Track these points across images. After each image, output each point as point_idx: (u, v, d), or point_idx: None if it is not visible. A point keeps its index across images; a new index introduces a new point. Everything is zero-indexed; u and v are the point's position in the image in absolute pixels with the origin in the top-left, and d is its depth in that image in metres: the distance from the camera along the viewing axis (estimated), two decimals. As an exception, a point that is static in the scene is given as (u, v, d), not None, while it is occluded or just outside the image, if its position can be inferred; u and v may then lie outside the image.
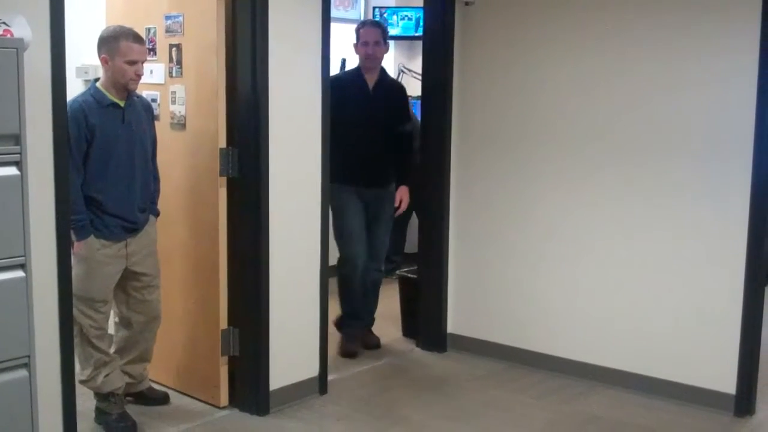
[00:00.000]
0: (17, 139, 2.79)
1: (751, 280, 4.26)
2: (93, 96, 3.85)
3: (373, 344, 5.35)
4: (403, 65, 7.52)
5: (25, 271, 2.85)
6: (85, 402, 3.97)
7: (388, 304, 5.67)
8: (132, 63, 3.82)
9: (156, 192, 4.15)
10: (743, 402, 4.32)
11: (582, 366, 4.82)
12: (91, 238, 3.82)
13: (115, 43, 3.81)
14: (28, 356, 2.88)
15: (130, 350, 4.17)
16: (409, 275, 5.54)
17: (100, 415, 4.03)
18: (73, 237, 3.77)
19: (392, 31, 7.97)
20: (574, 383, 4.77)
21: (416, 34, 7.55)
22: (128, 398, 4.21)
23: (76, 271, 3.82)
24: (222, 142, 4.15)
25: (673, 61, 4.42)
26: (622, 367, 4.68)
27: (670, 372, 4.52)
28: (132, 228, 3.95)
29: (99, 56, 3.87)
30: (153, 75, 4.36)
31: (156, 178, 4.14)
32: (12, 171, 2.79)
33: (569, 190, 4.82)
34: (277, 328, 4.27)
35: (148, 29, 4.37)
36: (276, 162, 4.17)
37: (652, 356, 4.58)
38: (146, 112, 4.08)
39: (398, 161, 5.21)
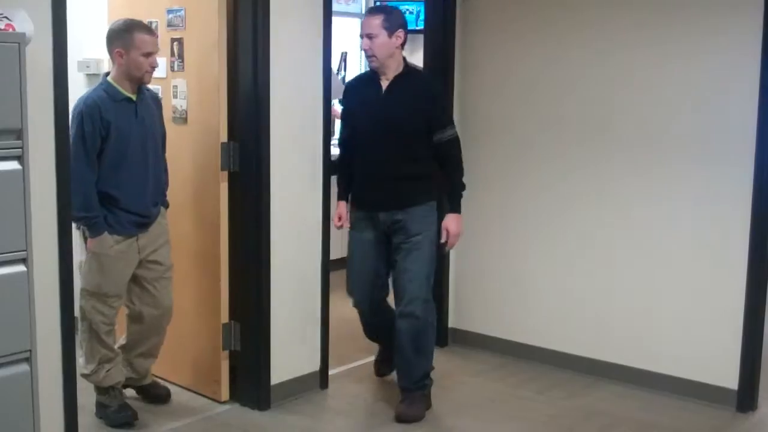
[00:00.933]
0: (19, 133, 2.79)
1: (753, 275, 4.25)
2: (106, 91, 3.81)
3: (403, 416, 4.17)
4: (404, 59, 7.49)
5: (27, 266, 2.85)
6: (86, 396, 3.97)
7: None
8: (147, 55, 3.79)
9: (165, 184, 4.14)
10: (745, 397, 4.32)
11: (584, 361, 4.81)
12: (105, 235, 3.81)
13: (129, 35, 3.77)
14: (30, 351, 2.88)
15: (140, 345, 4.16)
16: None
17: (101, 408, 4.03)
18: (87, 234, 3.78)
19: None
20: (575, 378, 4.77)
21: (417, 28, 7.54)
22: (127, 389, 4.20)
23: (89, 267, 3.85)
24: (223, 137, 4.14)
25: (677, 58, 4.40)
26: (623, 362, 4.68)
27: (673, 367, 4.52)
28: (144, 223, 3.95)
29: (112, 50, 3.83)
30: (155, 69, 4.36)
31: (165, 170, 4.13)
32: (14, 165, 2.79)
33: (571, 186, 4.82)
34: (278, 323, 4.27)
35: (150, 23, 4.34)
36: (277, 156, 4.16)
37: (654, 351, 4.58)
38: (155, 104, 4.06)
39: (446, 179, 4.21)
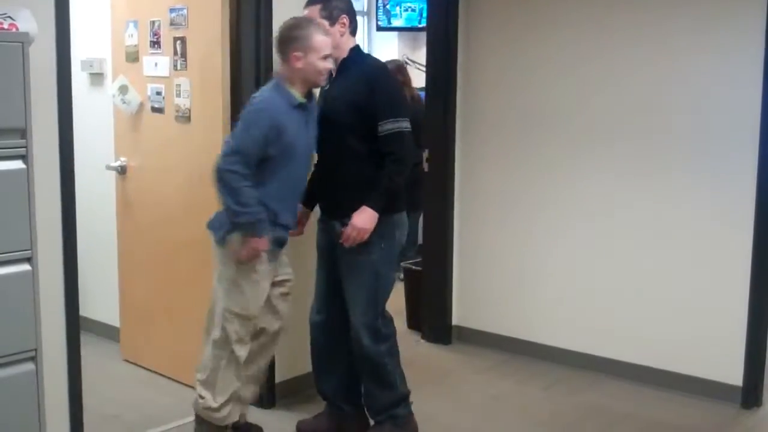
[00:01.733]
0: (23, 132, 2.80)
1: (757, 271, 4.25)
2: (282, 95, 3.48)
3: None
4: (407, 56, 7.52)
5: (32, 265, 2.86)
6: (91, 396, 3.96)
7: (393, 297, 5.63)
8: (326, 58, 3.48)
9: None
10: (750, 394, 4.32)
11: (588, 358, 4.82)
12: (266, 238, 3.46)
13: (308, 38, 3.44)
14: (35, 349, 2.89)
15: (250, 364, 3.71)
16: (413, 267, 5.53)
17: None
18: (251, 233, 3.42)
19: (396, 22, 7.97)
20: (579, 375, 4.77)
21: (420, 26, 7.55)
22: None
23: (236, 285, 3.51)
24: (226, 135, 4.13)
25: (679, 55, 4.41)
26: (627, 358, 4.68)
27: (677, 363, 4.52)
28: (286, 240, 3.65)
29: (287, 54, 3.47)
30: (157, 68, 4.36)
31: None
32: (18, 165, 2.80)
33: (574, 183, 4.82)
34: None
35: (153, 22, 4.36)
36: (281, 154, 4.16)
37: (658, 348, 4.58)
38: (315, 111, 3.68)
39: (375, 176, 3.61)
